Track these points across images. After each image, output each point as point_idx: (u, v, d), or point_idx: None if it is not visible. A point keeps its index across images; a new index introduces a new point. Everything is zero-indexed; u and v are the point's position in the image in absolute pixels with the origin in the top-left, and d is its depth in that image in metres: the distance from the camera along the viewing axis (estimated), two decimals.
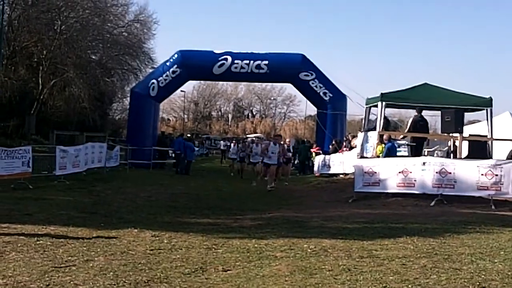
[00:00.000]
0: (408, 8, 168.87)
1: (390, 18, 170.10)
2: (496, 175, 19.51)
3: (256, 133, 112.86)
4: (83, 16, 51.30)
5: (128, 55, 61.74)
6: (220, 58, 38.36)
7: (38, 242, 11.05)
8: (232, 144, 42.77)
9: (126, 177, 29.65)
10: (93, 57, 58.89)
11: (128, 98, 47.70)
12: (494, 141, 23.68)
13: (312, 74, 38.79)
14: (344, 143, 32.35)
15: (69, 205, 17.42)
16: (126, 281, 8.41)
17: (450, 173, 20.04)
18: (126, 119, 49.16)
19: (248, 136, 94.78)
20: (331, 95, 38.78)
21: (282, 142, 27.81)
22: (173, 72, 38.51)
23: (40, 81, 49.45)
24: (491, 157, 22.46)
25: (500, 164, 19.73)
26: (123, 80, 64.55)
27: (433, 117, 29.03)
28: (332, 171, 31.01)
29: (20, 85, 45.20)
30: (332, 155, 31.84)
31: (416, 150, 24.42)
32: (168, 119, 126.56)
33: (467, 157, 21.41)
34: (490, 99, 23.71)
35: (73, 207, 16.95)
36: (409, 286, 8.31)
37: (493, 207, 18.85)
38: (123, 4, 60.56)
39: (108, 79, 58.83)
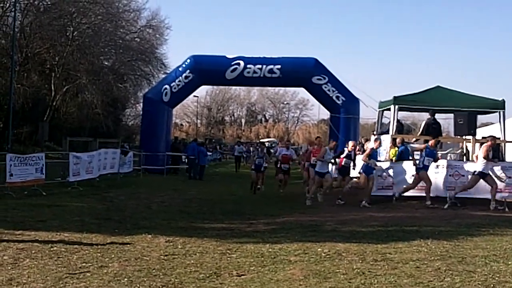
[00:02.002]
0: (420, 10, 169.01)
1: (401, 20, 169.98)
2: (510, 177, 19.50)
3: (270, 137, 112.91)
4: (95, 22, 51.46)
5: (140, 61, 61.88)
6: (232, 63, 38.25)
7: (52, 249, 11.09)
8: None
9: (140, 182, 29.65)
10: (106, 63, 59.08)
11: (141, 104, 47.63)
12: (507, 144, 23.61)
13: (324, 78, 38.65)
14: (358, 147, 32.23)
15: (83, 211, 17.45)
16: (141, 287, 8.45)
17: (463, 175, 20.05)
18: (139, 125, 49.22)
19: (262, 140, 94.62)
20: (344, 99, 38.64)
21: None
22: (186, 77, 38.46)
23: (52, 88, 49.65)
24: (503, 160, 22.41)
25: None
26: (136, 86, 64.71)
27: (446, 120, 28.95)
28: None
29: (33, 92, 45.39)
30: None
31: None
32: (181, 125, 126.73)
33: None
34: (503, 102, 23.65)
35: (86, 213, 16.97)
36: None
37: (506, 209, 18.83)
38: (135, 9, 60.81)
39: (121, 85, 59.00)
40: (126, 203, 20.30)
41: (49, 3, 47.72)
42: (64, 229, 13.65)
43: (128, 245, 11.72)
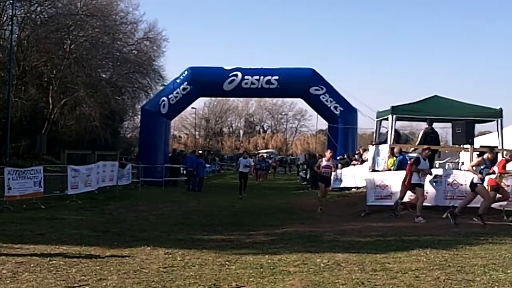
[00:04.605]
0: (417, 20, 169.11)
1: (398, 30, 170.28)
2: (508, 185, 19.47)
3: (268, 148, 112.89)
4: (92, 35, 51.39)
5: (138, 73, 61.80)
6: (230, 74, 38.28)
7: (51, 262, 11.07)
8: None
9: (139, 195, 29.64)
10: (103, 75, 58.97)
11: (139, 116, 47.62)
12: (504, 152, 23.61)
13: (322, 89, 38.71)
14: (356, 157, 32.24)
15: (82, 224, 17.44)
16: None
17: (462, 184, 20.02)
18: (138, 137, 49.27)
19: (260, 151, 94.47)
20: (341, 109, 38.70)
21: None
22: (184, 89, 38.48)
23: (50, 101, 49.53)
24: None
25: (511, 175, 19.68)
26: (134, 98, 64.56)
27: (444, 129, 28.94)
28: (343, 185, 30.90)
29: (31, 105, 45.30)
30: (344, 169, 31.74)
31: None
32: (180, 136, 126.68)
33: None
34: (500, 110, 23.67)
35: (85, 226, 16.97)
36: None
37: (505, 217, 18.81)
38: (132, 22, 60.69)
39: (119, 98, 58.86)
40: (125, 216, 20.32)
41: (46, 16, 47.68)
42: (63, 242, 13.65)
43: (127, 258, 11.71)
